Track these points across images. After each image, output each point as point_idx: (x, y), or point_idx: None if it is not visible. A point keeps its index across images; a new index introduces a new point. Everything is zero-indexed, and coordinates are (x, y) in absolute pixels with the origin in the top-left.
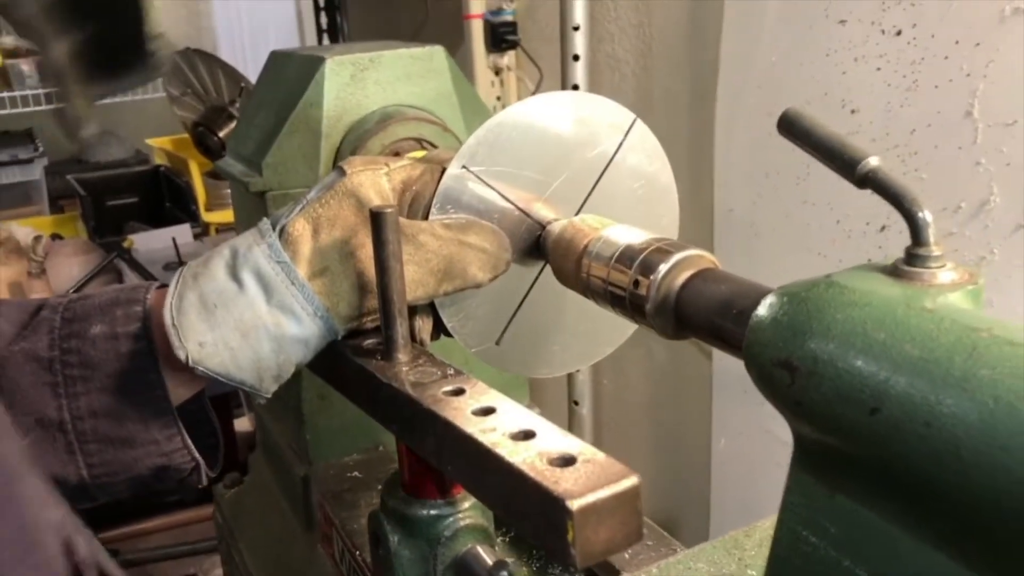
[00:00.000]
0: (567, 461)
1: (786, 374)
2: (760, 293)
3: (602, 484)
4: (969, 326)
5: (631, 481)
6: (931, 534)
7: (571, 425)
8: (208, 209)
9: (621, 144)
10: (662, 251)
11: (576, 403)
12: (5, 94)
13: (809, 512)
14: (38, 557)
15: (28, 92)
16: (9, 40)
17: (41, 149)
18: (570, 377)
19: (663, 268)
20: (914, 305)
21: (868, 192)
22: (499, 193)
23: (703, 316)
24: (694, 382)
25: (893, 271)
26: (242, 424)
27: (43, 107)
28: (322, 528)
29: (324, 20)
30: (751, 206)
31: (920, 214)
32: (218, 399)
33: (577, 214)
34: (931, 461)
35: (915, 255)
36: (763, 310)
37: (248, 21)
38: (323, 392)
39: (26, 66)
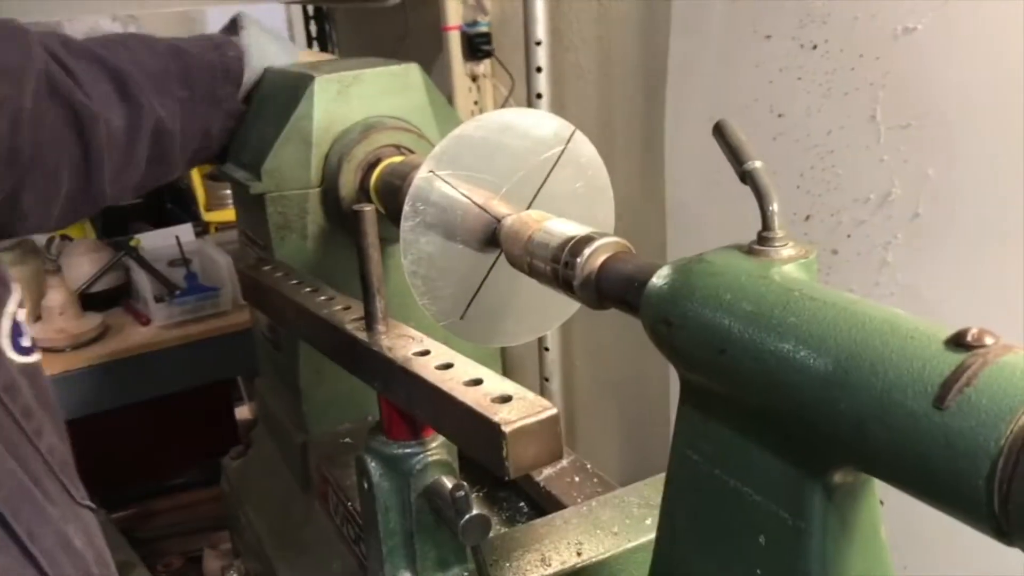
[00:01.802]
0: (505, 399)
1: (665, 328)
2: (655, 269)
3: (529, 414)
4: (788, 288)
5: (551, 412)
6: (768, 442)
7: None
8: (208, 209)
9: (563, 151)
10: (587, 239)
11: (547, 379)
12: None
13: (691, 436)
14: None
15: None
16: None
17: None
18: (541, 356)
19: (587, 252)
20: (755, 274)
21: (795, 187)
22: (461, 192)
23: (615, 289)
24: (655, 361)
25: (748, 250)
26: (242, 413)
27: None
28: (319, 487)
29: (313, 29)
30: (699, 200)
31: (770, 207)
32: (221, 386)
33: (527, 209)
34: (758, 387)
35: (764, 237)
36: (653, 281)
37: None
38: (319, 368)
39: None
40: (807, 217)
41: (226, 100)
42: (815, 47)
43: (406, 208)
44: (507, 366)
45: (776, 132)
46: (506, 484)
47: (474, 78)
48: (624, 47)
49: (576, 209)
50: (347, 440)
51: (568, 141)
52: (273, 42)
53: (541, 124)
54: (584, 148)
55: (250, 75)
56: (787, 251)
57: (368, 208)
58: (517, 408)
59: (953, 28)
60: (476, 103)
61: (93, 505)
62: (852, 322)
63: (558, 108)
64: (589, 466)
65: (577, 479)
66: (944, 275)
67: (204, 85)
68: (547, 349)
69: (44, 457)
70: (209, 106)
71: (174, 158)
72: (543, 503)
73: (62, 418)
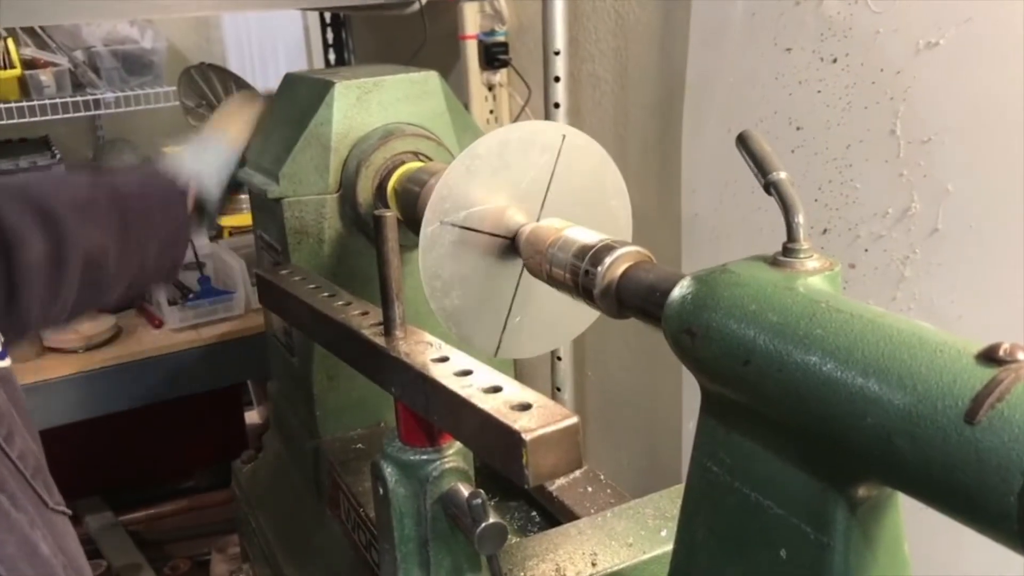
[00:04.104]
0: (524, 407)
1: (688, 338)
2: (677, 279)
3: (550, 422)
4: (814, 299)
5: (572, 421)
6: (791, 454)
7: None
8: (221, 213)
9: (558, 156)
10: (607, 248)
11: (559, 389)
12: (24, 103)
13: (711, 447)
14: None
15: (47, 101)
16: (28, 51)
17: (59, 156)
18: (553, 367)
19: (607, 261)
20: (780, 285)
21: (813, 200)
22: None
23: (636, 298)
24: (666, 372)
25: (773, 261)
26: (251, 417)
27: (60, 116)
28: (330, 492)
29: (330, 36)
30: (713, 212)
31: (796, 219)
32: (230, 390)
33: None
34: (782, 399)
35: (789, 249)
36: (676, 291)
37: (257, 32)
38: (331, 374)
39: (44, 76)
40: (824, 231)
41: (164, 227)
42: (835, 60)
43: (426, 218)
44: (519, 375)
45: (795, 144)
46: (518, 493)
47: (490, 87)
48: (642, 58)
49: (593, 212)
50: (359, 446)
51: (559, 149)
52: (208, 154)
53: (554, 133)
54: (604, 159)
55: (202, 193)
56: (812, 263)
57: (389, 214)
58: (537, 416)
59: (976, 44)
60: (492, 112)
61: (68, 511)
62: (879, 335)
63: (574, 118)
64: (602, 476)
65: (590, 489)
66: (963, 291)
67: (136, 213)
68: (559, 359)
69: (14, 462)
70: (143, 234)
71: (106, 286)
72: (555, 512)
73: (34, 424)
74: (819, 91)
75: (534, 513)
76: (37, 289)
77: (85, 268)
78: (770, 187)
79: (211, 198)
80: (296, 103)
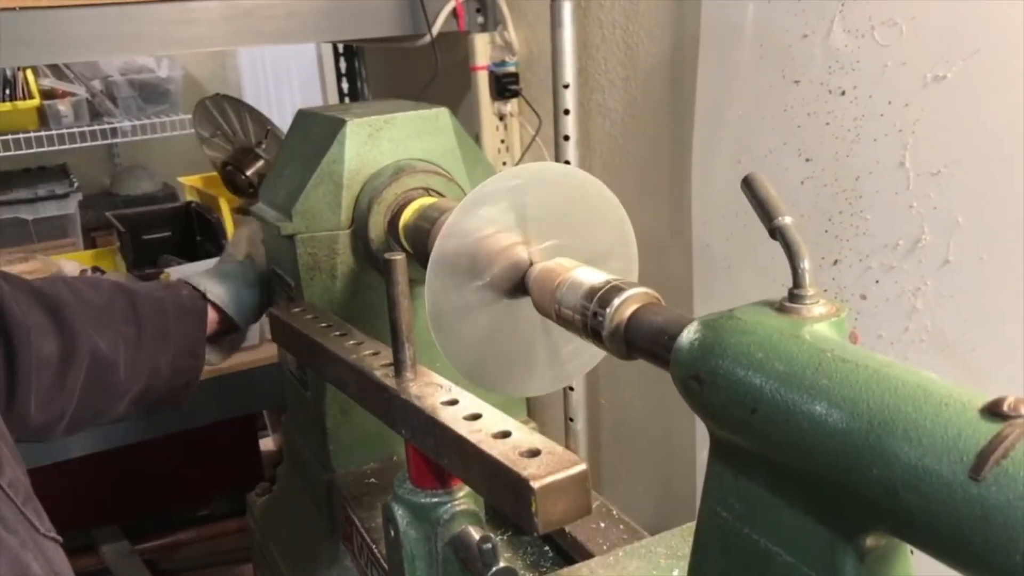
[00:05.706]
0: (533, 453)
1: (696, 384)
2: (685, 322)
3: (558, 469)
4: (820, 348)
5: (580, 468)
6: (800, 503)
7: (567, 439)
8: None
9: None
10: (616, 289)
11: (571, 419)
12: (43, 132)
13: (721, 492)
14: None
15: (64, 130)
16: (47, 81)
17: (76, 184)
18: (566, 396)
19: (616, 302)
20: (786, 332)
21: (823, 231)
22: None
23: (644, 341)
24: (679, 399)
25: (779, 307)
26: (266, 444)
27: (78, 144)
28: (344, 527)
29: (343, 65)
30: (725, 242)
31: (801, 264)
32: (245, 417)
33: (553, 256)
34: (789, 448)
35: (795, 295)
36: (684, 335)
37: (271, 61)
38: (345, 408)
39: (63, 105)
40: (835, 261)
41: (180, 338)
42: (843, 93)
43: (432, 257)
44: (532, 406)
45: (804, 176)
46: None
47: (501, 117)
48: (651, 88)
49: (602, 255)
50: (372, 480)
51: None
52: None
53: (571, 176)
54: (611, 201)
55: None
56: (818, 309)
57: (399, 257)
58: (546, 463)
59: (984, 76)
60: (503, 141)
61: (59, 538)
62: (885, 386)
63: (585, 149)
64: (615, 512)
65: (603, 524)
66: (976, 323)
67: (152, 322)
68: (572, 389)
69: (4, 490)
70: (157, 343)
71: (115, 392)
72: (568, 548)
73: (20, 455)
74: (827, 123)
75: (547, 548)
76: (39, 385)
77: (92, 370)
78: (775, 232)
79: (241, 312)
80: (308, 140)
